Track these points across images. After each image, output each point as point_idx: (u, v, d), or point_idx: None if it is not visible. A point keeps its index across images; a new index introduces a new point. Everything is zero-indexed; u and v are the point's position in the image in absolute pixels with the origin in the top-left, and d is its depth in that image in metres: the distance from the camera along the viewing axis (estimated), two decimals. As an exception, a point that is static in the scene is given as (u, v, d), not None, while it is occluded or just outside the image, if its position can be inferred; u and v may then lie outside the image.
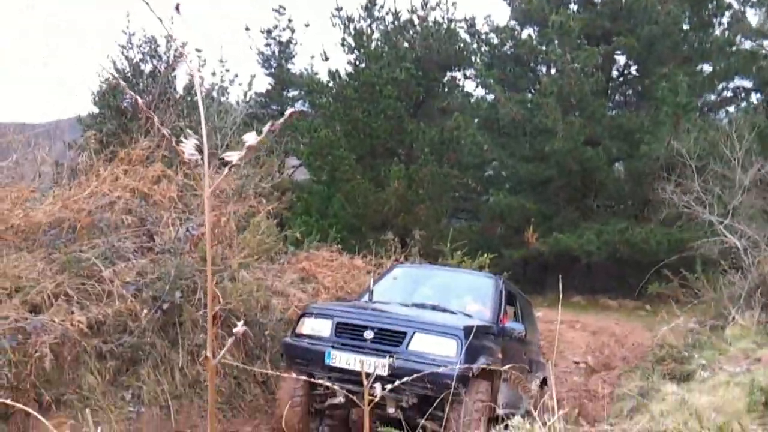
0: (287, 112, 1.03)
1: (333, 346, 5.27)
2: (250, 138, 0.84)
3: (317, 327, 5.50)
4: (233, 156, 0.83)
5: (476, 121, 19.33)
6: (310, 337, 5.48)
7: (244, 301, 6.39)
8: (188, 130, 0.86)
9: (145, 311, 5.47)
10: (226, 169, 0.83)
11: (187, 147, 0.80)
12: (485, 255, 10.58)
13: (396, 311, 5.85)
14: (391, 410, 5.28)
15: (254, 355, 6.56)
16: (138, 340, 5.37)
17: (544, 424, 3.06)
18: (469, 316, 6.02)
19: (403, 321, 5.43)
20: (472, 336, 5.01)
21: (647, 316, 13.75)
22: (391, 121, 17.02)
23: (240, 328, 0.94)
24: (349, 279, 9.07)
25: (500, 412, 5.44)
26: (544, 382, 7.30)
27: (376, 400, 1.54)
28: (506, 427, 3.45)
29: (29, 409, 1.02)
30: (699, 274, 10.34)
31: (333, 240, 10.50)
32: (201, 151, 0.80)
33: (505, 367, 4.16)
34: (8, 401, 1.72)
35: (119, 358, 5.25)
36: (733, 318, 9.00)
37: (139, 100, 0.83)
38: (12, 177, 7.02)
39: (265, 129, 0.84)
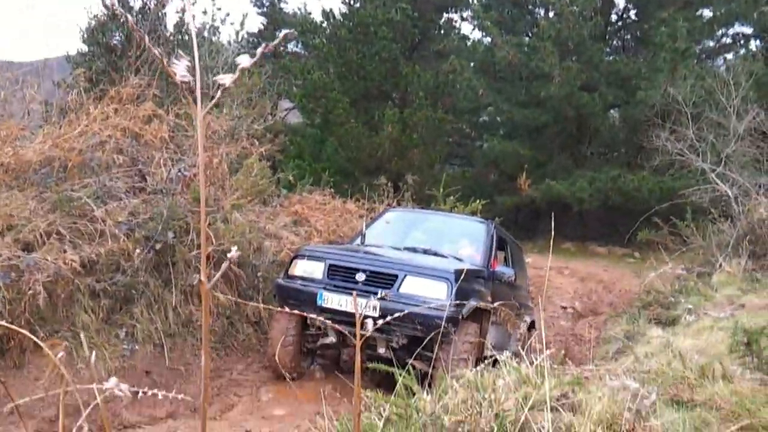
0: (281, 35, 1.01)
1: (325, 288, 5.33)
2: (244, 60, 0.82)
3: (309, 269, 5.55)
4: (226, 79, 0.82)
5: (472, 64, 19.06)
6: (302, 278, 5.54)
7: (237, 242, 6.40)
8: (180, 51, 0.84)
9: (138, 251, 5.49)
10: (219, 92, 0.81)
11: (179, 68, 0.78)
12: (478, 201, 10.60)
13: (388, 254, 5.89)
14: (381, 350, 5.39)
15: (247, 295, 6.62)
16: (131, 279, 5.40)
17: (532, 363, 3.13)
18: (460, 260, 6.08)
19: (394, 264, 5.47)
20: (462, 279, 5.07)
21: (636, 263, 13.92)
22: (386, 63, 16.76)
23: (233, 253, 0.94)
24: (342, 223, 9.09)
25: (489, 353, 5.56)
26: (532, 325, 7.44)
27: (367, 335, 1.56)
28: (494, 363, 3.53)
29: (25, 332, 1.02)
30: (689, 222, 10.40)
31: (326, 184, 10.49)
32: (193, 74, 0.78)
33: (494, 305, 4.22)
34: (4, 323, 1.73)
35: (113, 296, 5.29)
36: (720, 265, 9.13)
37: (130, 19, 0.80)
38: (0, 115, 6.92)
39: (259, 51, 0.82)
